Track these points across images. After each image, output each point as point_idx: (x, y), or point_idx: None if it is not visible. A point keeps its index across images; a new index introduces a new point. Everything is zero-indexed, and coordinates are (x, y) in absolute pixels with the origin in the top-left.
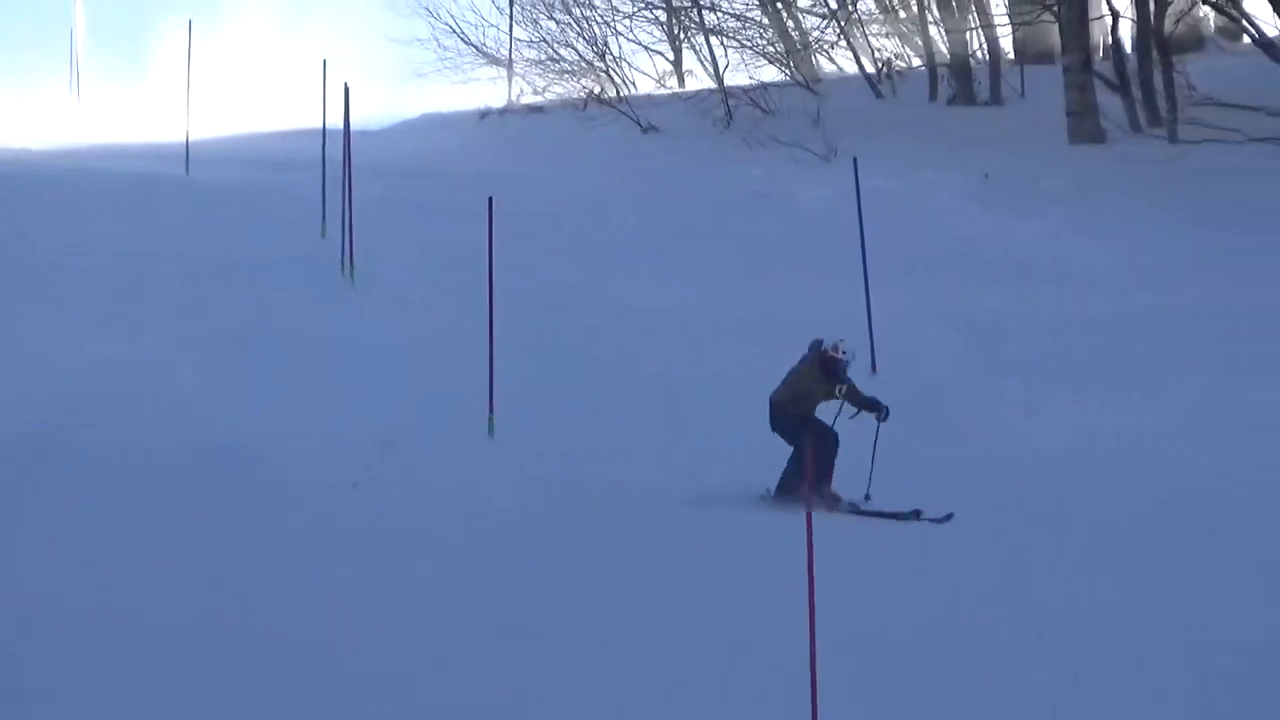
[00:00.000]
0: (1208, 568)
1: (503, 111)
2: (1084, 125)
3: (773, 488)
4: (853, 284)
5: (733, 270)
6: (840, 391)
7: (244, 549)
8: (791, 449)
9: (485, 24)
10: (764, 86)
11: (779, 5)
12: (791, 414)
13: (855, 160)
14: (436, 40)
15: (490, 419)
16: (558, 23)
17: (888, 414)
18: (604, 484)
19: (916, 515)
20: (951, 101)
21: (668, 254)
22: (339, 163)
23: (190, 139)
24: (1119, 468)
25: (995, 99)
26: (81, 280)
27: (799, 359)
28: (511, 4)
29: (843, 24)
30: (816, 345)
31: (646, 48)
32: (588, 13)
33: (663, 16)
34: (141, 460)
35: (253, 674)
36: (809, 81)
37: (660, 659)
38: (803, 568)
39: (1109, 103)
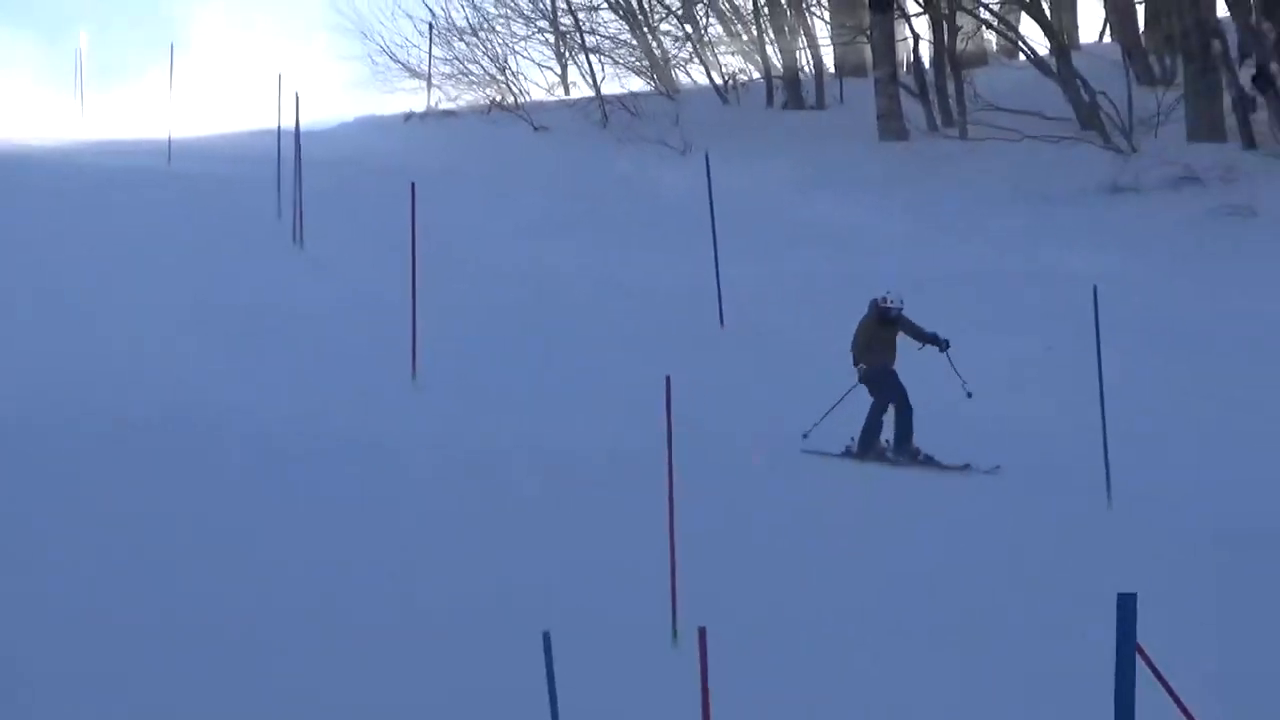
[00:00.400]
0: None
1: (423, 115)
2: (891, 126)
3: (856, 438)
4: (704, 254)
5: (609, 243)
6: (860, 374)
7: (187, 503)
8: (872, 400)
9: (410, 44)
10: (633, 95)
11: (645, 29)
12: (871, 366)
13: (706, 154)
14: (370, 57)
15: (413, 366)
16: (467, 44)
17: (948, 344)
18: (510, 431)
19: (966, 468)
20: (784, 106)
21: (557, 230)
22: (292, 157)
23: (173, 136)
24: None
25: (820, 104)
26: (74, 251)
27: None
28: (431, 28)
29: (696, 44)
30: (873, 302)
31: (538, 64)
32: (491, 35)
33: (551, 39)
34: (114, 424)
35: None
36: (669, 90)
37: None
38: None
39: (911, 108)
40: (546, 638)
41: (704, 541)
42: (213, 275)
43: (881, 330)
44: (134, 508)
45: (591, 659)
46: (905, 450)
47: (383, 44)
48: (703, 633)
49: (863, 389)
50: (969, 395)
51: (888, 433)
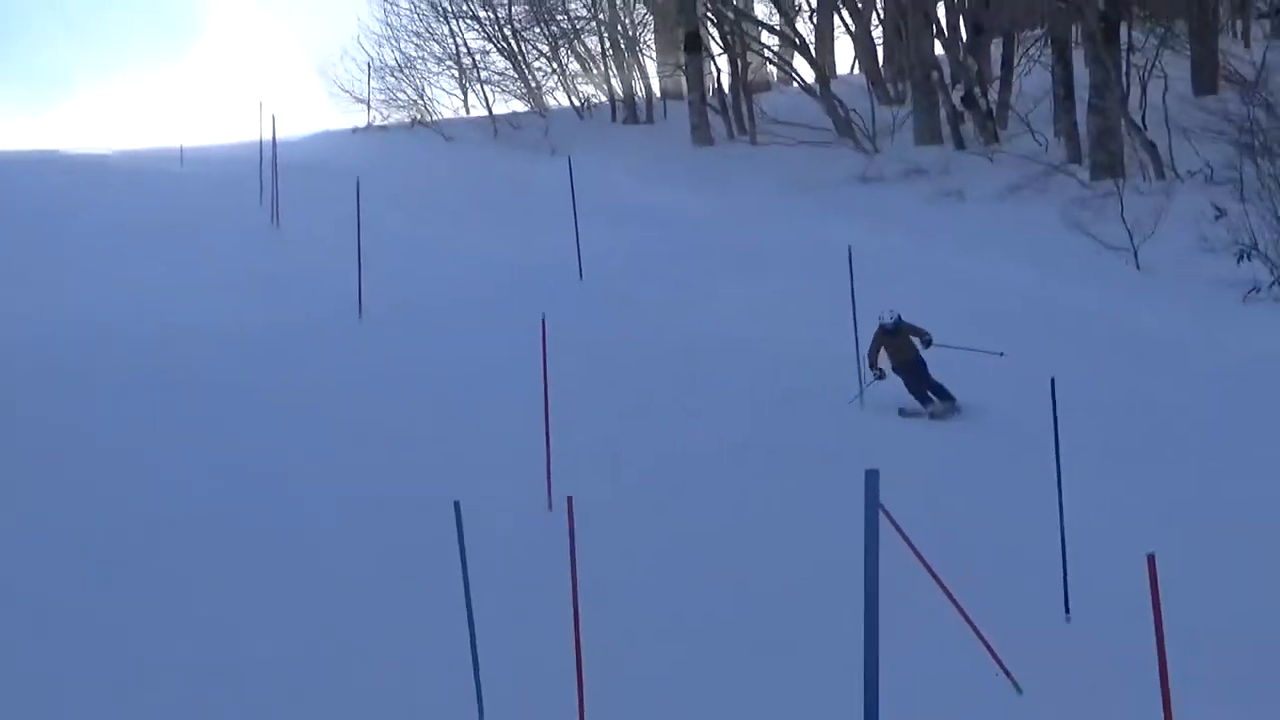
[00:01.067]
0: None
1: (365, 130)
2: (701, 135)
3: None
4: (567, 228)
5: (498, 221)
6: (875, 376)
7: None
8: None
9: (355, 79)
10: (515, 114)
11: (523, 66)
12: (897, 366)
13: (569, 157)
14: (327, 90)
15: (360, 308)
16: (396, 78)
17: (930, 341)
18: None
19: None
20: (624, 121)
21: (462, 213)
22: (270, 160)
23: (186, 145)
24: (722, 340)
25: (649, 120)
26: (104, 230)
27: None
28: (369, 67)
29: (560, 77)
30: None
31: (447, 92)
32: (412, 71)
33: (456, 74)
34: (127, 339)
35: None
36: (541, 110)
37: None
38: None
39: (716, 122)
40: (457, 506)
41: (574, 428)
42: (210, 244)
43: (890, 339)
44: (133, 408)
45: (488, 523)
46: (936, 407)
47: (338, 80)
48: (570, 501)
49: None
50: (1001, 354)
51: (906, 403)
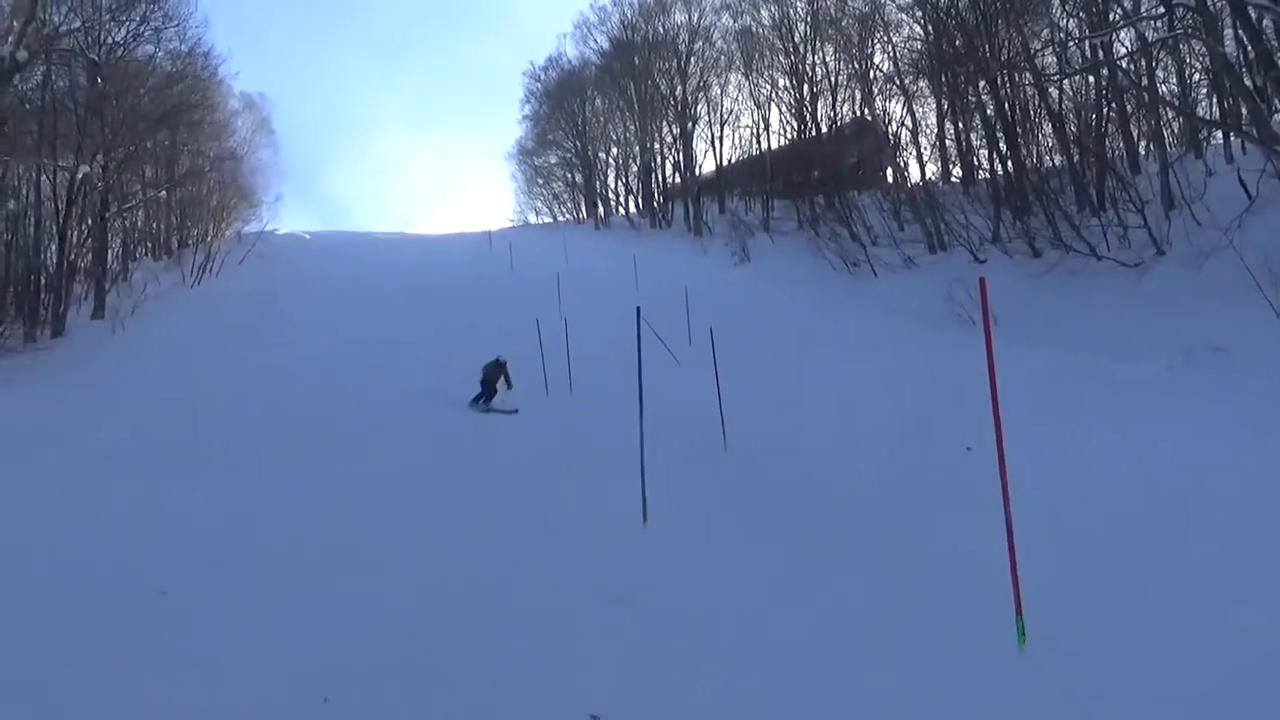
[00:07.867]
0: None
1: (522, 226)
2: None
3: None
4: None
5: (597, 251)
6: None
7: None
8: None
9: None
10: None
11: (591, 193)
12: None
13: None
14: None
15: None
16: (533, 193)
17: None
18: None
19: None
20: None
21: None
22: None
23: (454, 232)
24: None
25: (669, 225)
26: (375, 287)
27: None
28: (515, 191)
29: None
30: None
31: (550, 204)
32: (544, 190)
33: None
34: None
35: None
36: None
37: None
38: None
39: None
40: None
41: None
42: (459, 261)
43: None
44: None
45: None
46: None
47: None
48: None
49: None
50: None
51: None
